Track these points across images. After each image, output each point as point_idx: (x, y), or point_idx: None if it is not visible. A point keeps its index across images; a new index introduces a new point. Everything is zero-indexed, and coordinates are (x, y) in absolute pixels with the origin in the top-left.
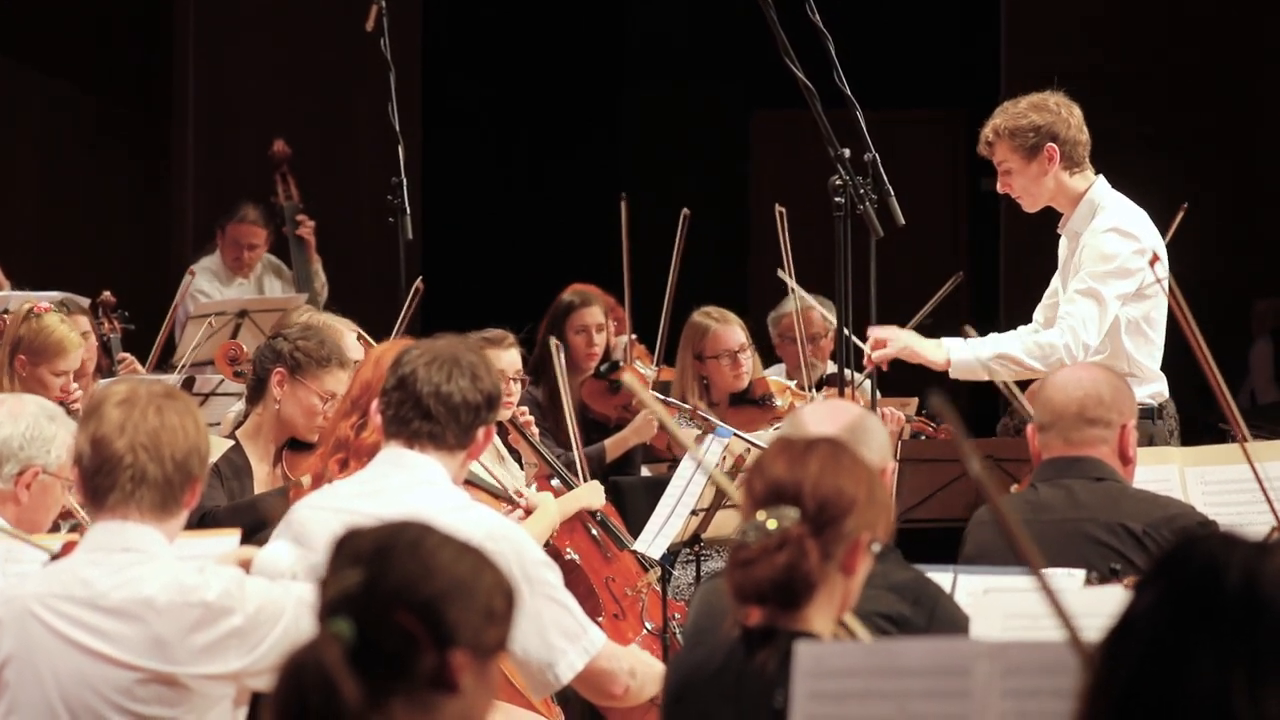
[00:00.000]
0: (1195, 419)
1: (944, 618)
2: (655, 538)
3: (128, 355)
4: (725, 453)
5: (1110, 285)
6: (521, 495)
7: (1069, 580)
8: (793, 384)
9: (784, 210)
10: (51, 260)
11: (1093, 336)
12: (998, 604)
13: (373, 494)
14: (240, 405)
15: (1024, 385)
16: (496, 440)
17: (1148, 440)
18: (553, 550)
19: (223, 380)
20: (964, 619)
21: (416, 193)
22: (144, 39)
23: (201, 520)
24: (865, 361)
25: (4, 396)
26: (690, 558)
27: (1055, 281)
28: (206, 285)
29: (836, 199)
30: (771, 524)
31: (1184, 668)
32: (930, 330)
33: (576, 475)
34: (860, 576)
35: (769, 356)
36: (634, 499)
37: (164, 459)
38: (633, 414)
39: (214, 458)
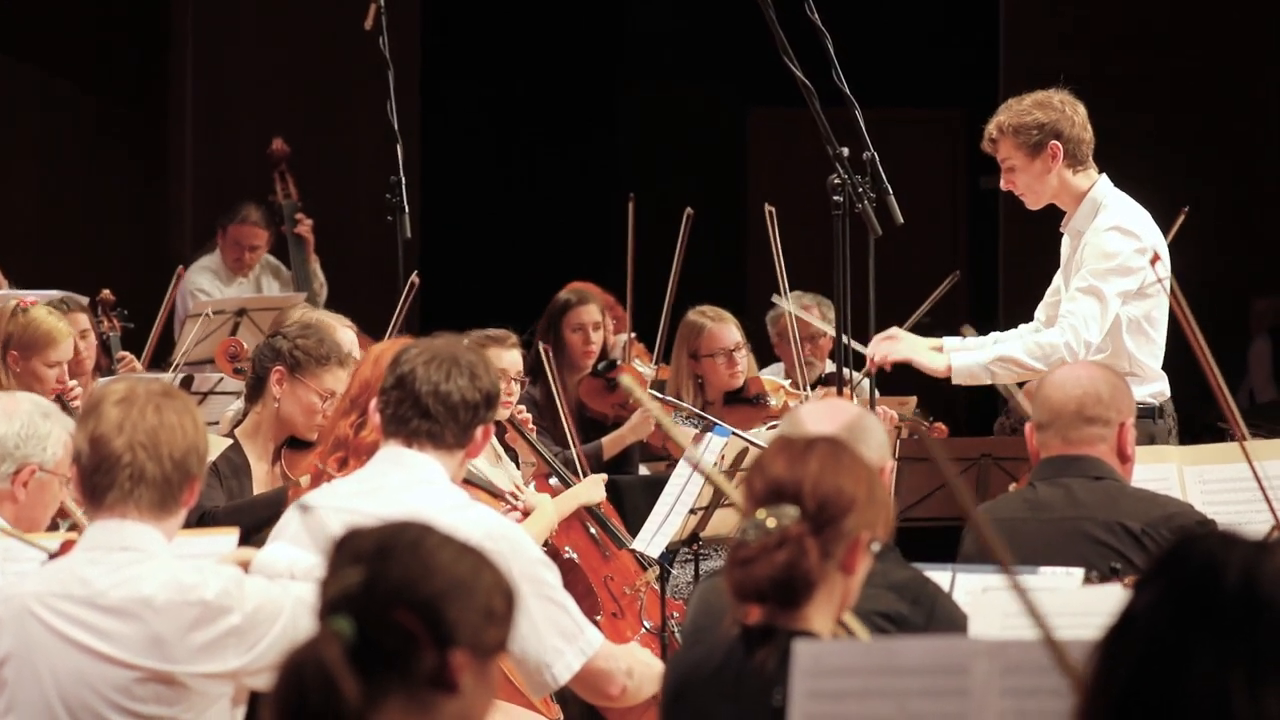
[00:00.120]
0: (1194, 418)
1: (943, 616)
2: (654, 536)
3: (127, 354)
4: (724, 451)
5: (1111, 283)
6: (519, 495)
7: (1068, 579)
8: (787, 383)
9: (774, 209)
10: (51, 259)
11: (1094, 334)
12: (996, 603)
13: (371, 493)
14: (238, 404)
15: (1022, 383)
16: (493, 439)
17: (1148, 439)
18: (551, 549)
19: (221, 379)
20: (963, 618)
21: (415, 192)
22: (143, 38)
23: (200, 519)
24: (868, 367)
25: None
26: (689, 556)
27: (1057, 280)
28: (206, 284)
29: (835, 198)
30: (771, 523)
31: (1183, 667)
32: (928, 329)
33: (575, 474)
34: (860, 575)
35: (767, 355)
36: (632, 497)
37: (162, 458)
38: (630, 412)
39: (212, 456)
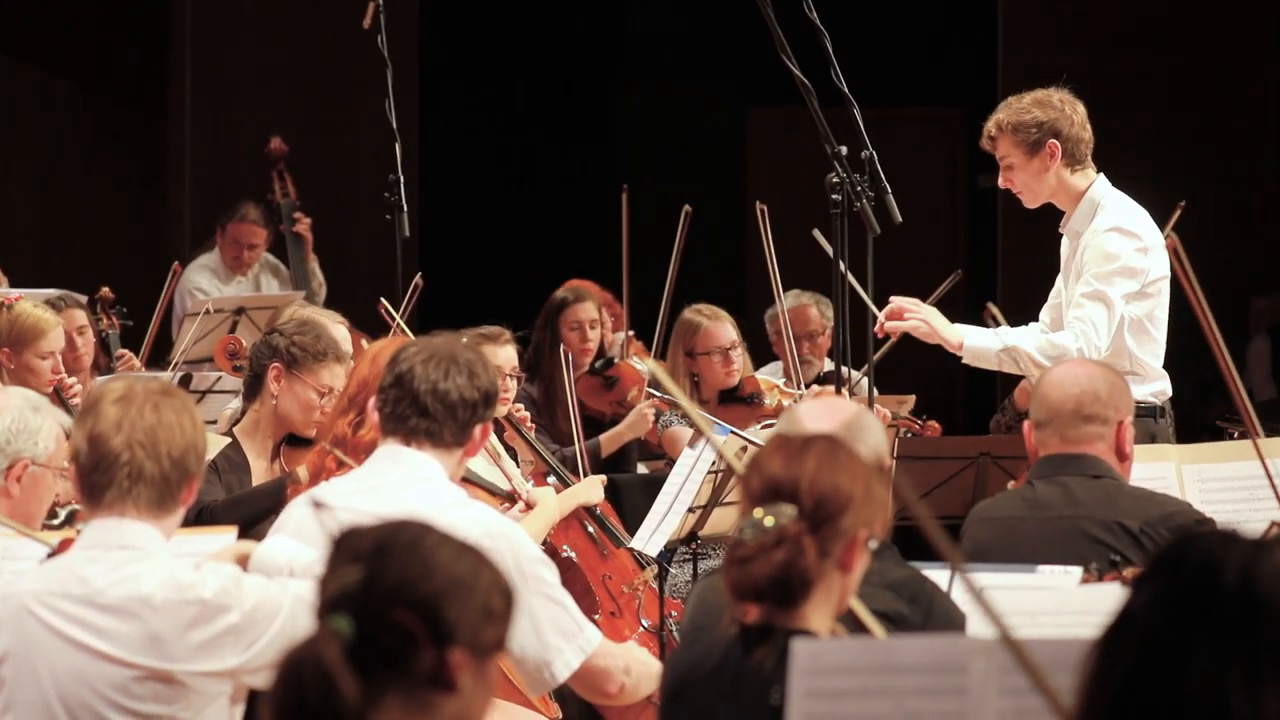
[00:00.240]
0: (1192, 417)
1: (941, 615)
2: (652, 535)
3: (126, 351)
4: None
5: (1116, 285)
6: (521, 492)
7: (1065, 578)
8: (782, 382)
9: (765, 208)
10: (50, 258)
11: (1104, 340)
12: (995, 601)
13: (370, 491)
14: (237, 402)
15: (1021, 377)
16: (493, 437)
17: (1149, 439)
18: (549, 548)
19: (220, 377)
20: (961, 616)
21: (414, 190)
22: (142, 38)
23: (199, 515)
24: (877, 329)
25: None
26: (687, 555)
27: (1059, 282)
28: (205, 283)
29: (834, 196)
30: (769, 521)
31: (1182, 665)
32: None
33: (573, 472)
34: (857, 574)
35: (766, 354)
36: (631, 496)
37: (161, 456)
38: (626, 409)
39: (210, 455)
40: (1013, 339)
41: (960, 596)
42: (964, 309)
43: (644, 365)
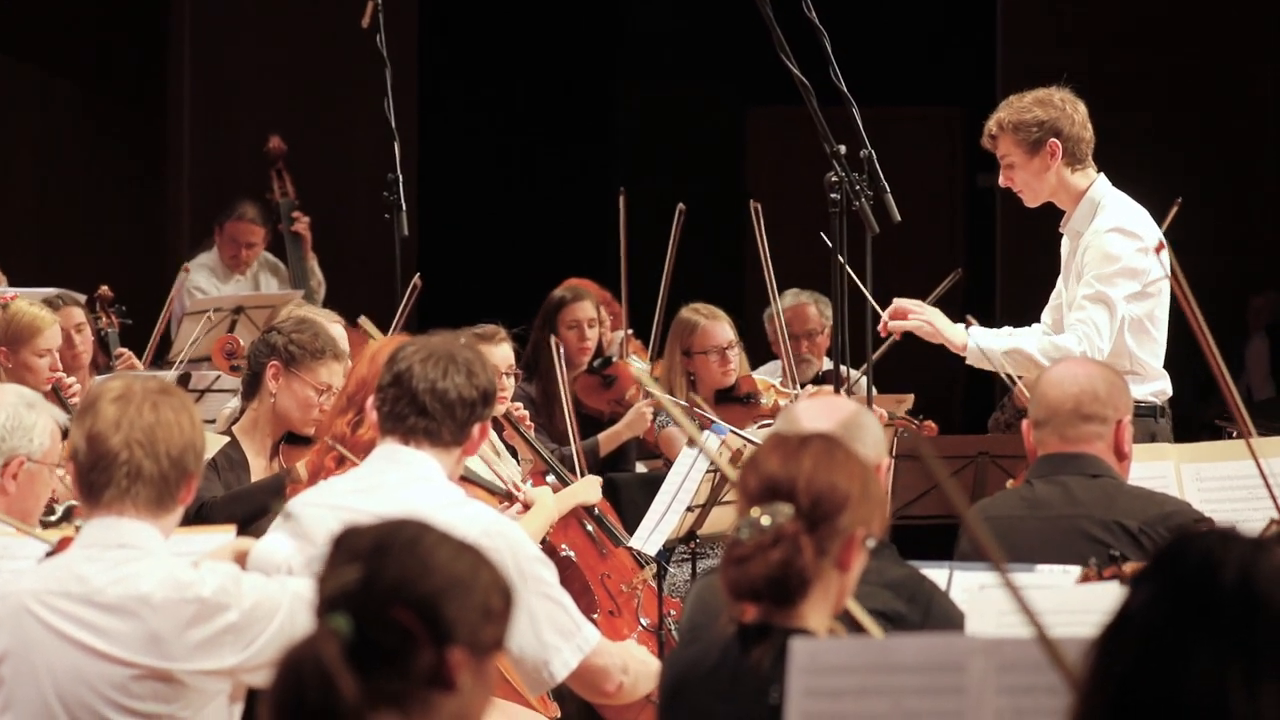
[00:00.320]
0: (1190, 417)
1: (939, 614)
2: (651, 534)
3: (125, 350)
4: (721, 449)
5: (1117, 287)
6: (519, 490)
7: (1064, 577)
8: (778, 381)
9: (759, 206)
10: (49, 256)
11: (1106, 342)
12: (993, 600)
13: (369, 490)
14: (235, 401)
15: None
16: (493, 436)
17: (1149, 439)
18: (548, 547)
19: (218, 376)
20: (959, 615)
21: (413, 189)
22: (142, 38)
23: (199, 511)
24: (880, 328)
25: None
26: (686, 554)
27: (1060, 283)
28: (204, 282)
29: (832, 195)
30: (766, 520)
31: (1180, 664)
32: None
33: (572, 471)
34: (855, 572)
35: (765, 353)
36: (629, 495)
37: (159, 455)
38: (625, 408)
39: (209, 454)
40: (1016, 341)
41: (959, 596)
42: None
43: (635, 369)
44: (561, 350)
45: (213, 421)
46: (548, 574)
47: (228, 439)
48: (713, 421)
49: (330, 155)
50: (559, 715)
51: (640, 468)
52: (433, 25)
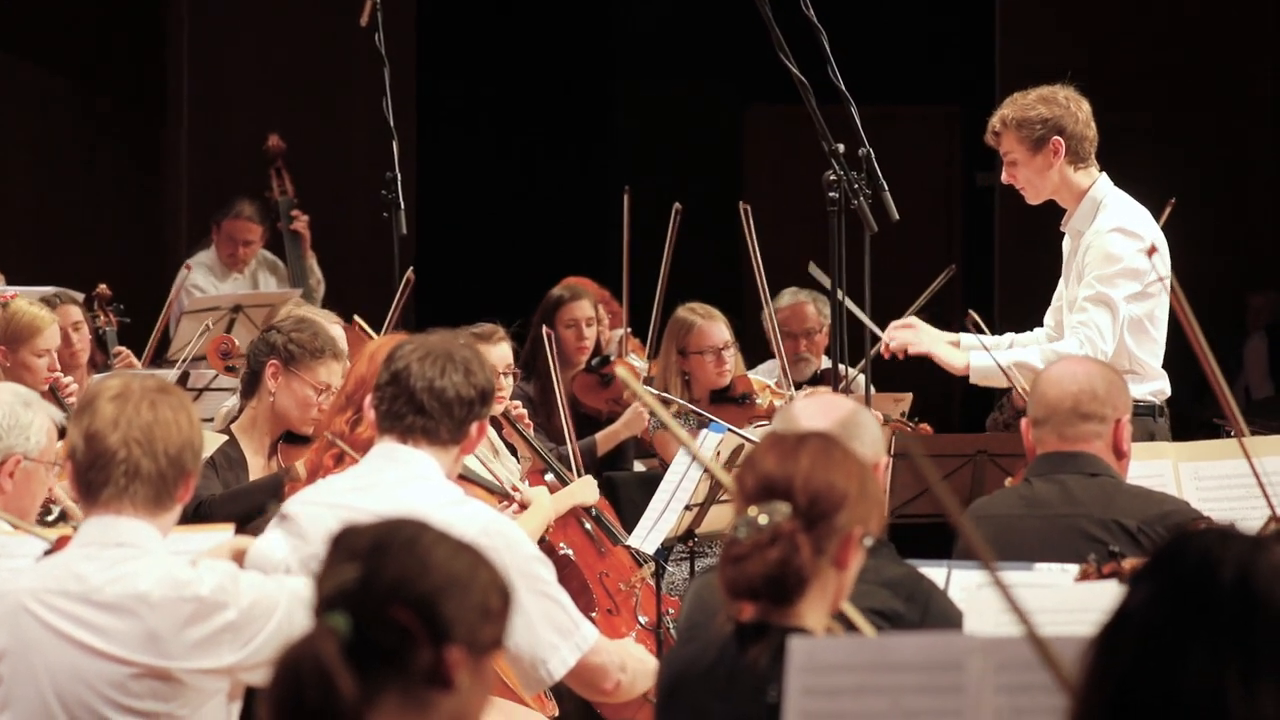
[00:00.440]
0: (1188, 416)
1: (937, 613)
2: (649, 533)
3: (123, 349)
4: (719, 448)
5: (1119, 287)
6: (517, 490)
7: (1062, 575)
8: (772, 382)
9: (748, 208)
10: (48, 256)
11: (1109, 344)
12: (991, 599)
13: (366, 489)
14: (233, 400)
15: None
16: (492, 435)
17: (1148, 438)
18: (546, 545)
19: (217, 375)
20: (958, 614)
21: (411, 188)
22: (139, 36)
23: (197, 510)
24: (882, 350)
25: None
26: (684, 553)
27: (1061, 285)
28: (202, 280)
29: (831, 194)
30: (763, 519)
31: (1178, 663)
32: (925, 323)
33: (570, 470)
34: (853, 571)
35: (763, 353)
36: (628, 493)
37: (157, 454)
38: (623, 407)
39: (207, 452)
40: (1019, 354)
41: (957, 594)
42: (960, 306)
43: (620, 371)
44: (554, 340)
45: (211, 420)
46: (546, 572)
47: (226, 437)
48: (711, 420)
49: (329, 154)
50: (557, 714)
51: (638, 466)
52: (431, 24)
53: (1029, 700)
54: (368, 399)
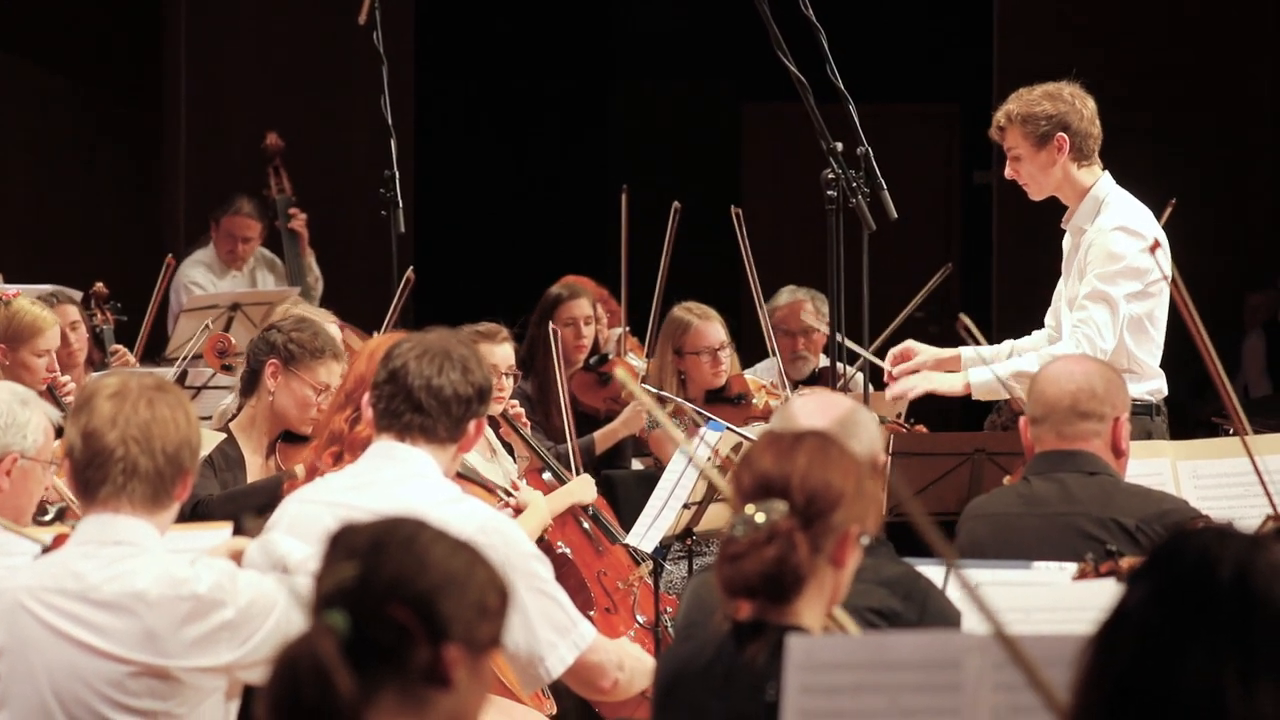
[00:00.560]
0: (1187, 414)
1: (935, 612)
2: (647, 531)
3: (120, 347)
4: (718, 447)
5: (1120, 286)
6: (513, 494)
7: (1060, 574)
8: (768, 382)
9: (740, 212)
10: (45, 254)
11: (1109, 342)
12: (990, 598)
13: (364, 487)
14: (231, 398)
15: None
16: (490, 434)
17: (1145, 437)
18: (544, 544)
19: (215, 374)
20: (956, 613)
21: (409, 186)
22: (138, 34)
23: (195, 508)
24: (886, 379)
25: None
26: (683, 552)
27: (1061, 282)
28: (200, 278)
29: (829, 192)
30: (760, 518)
31: (1177, 661)
32: (922, 322)
33: (568, 469)
34: (850, 569)
35: (761, 353)
36: (626, 492)
37: (155, 452)
38: (621, 406)
39: (205, 451)
40: (1018, 363)
41: (955, 593)
42: (958, 304)
43: (619, 372)
44: (557, 333)
45: (209, 418)
46: (543, 570)
47: (224, 435)
48: (709, 419)
49: (327, 152)
50: (555, 712)
51: (636, 465)
52: (429, 22)
53: (1026, 698)
54: (366, 397)
